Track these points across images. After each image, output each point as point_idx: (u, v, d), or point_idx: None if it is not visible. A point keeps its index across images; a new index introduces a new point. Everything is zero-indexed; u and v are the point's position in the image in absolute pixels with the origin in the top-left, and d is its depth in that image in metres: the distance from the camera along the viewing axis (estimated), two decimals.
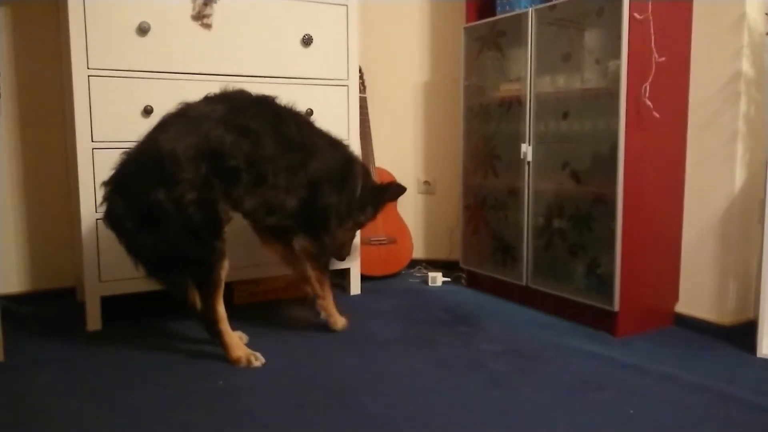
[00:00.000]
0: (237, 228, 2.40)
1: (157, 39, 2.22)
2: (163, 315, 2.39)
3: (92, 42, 2.13)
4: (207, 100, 1.95)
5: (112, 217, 1.85)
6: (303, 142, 2.03)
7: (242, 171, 1.89)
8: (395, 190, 2.45)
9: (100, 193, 1.90)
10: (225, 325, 1.91)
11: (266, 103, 2.03)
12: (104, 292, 2.23)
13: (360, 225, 2.40)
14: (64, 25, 2.23)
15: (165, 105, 2.24)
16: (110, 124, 2.18)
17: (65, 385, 1.75)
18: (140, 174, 1.82)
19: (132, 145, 2.17)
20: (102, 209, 1.89)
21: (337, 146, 2.19)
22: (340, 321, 2.22)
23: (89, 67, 2.13)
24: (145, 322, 2.33)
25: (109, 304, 2.31)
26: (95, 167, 2.17)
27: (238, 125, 1.89)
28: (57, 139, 2.60)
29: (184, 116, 1.88)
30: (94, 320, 2.22)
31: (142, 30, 2.19)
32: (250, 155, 1.89)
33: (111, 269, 2.22)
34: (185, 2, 2.25)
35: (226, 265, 1.90)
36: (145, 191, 1.79)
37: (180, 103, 1.93)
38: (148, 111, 2.22)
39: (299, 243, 2.11)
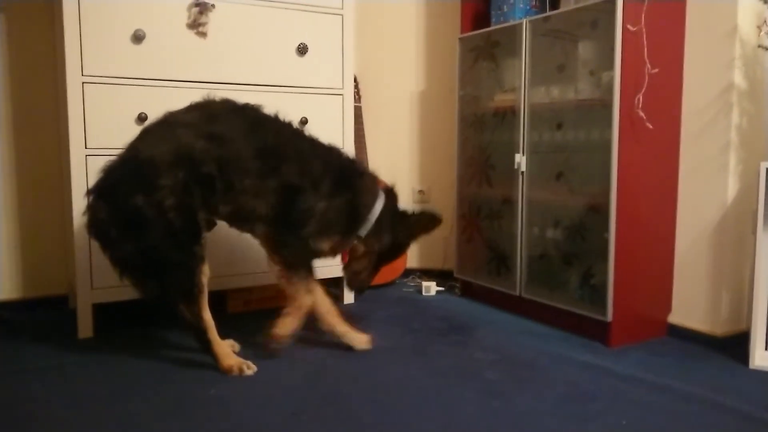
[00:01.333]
0: (231, 236, 2.39)
1: (152, 47, 2.23)
2: (155, 323, 2.38)
3: (87, 49, 2.13)
4: (187, 108, 1.96)
5: (95, 225, 1.86)
6: (278, 148, 1.97)
7: (215, 178, 1.89)
8: (428, 220, 2.19)
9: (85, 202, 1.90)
10: (213, 335, 1.90)
11: (246, 110, 2.00)
12: (96, 300, 2.22)
13: (375, 255, 2.16)
14: (59, 31, 2.23)
15: (159, 112, 2.23)
16: (104, 131, 2.18)
17: (56, 393, 1.74)
18: (122, 181, 1.83)
19: None
20: (86, 218, 1.88)
21: (330, 153, 2.10)
22: (357, 339, 2.10)
23: (84, 74, 2.13)
24: (137, 329, 2.32)
25: (102, 311, 2.30)
26: (88, 174, 2.16)
27: (208, 132, 1.89)
28: (50, 146, 2.59)
29: (163, 124, 1.91)
30: (85, 328, 2.21)
31: (138, 38, 2.19)
32: (221, 161, 1.89)
33: (103, 277, 2.20)
34: (181, 11, 2.26)
35: (206, 270, 1.90)
36: (126, 197, 1.80)
37: (165, 112, 1.94)
38: (142, 118, 2.22)
39: (260, 230, 2.01)
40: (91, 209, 1.86)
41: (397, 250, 2.22)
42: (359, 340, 2.11)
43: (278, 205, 1.95)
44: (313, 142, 2.08)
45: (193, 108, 1.96)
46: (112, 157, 1.90)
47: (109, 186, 1.85)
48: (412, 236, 2.21)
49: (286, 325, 2.01)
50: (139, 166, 1.82)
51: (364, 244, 2.13)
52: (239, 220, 2.01)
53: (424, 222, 2.19)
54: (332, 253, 2.15)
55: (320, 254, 2.09)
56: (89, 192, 1.88)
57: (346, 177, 2.07)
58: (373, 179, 2.17)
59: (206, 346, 1.90)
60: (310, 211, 1.97)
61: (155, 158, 1.82)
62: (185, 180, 1.84)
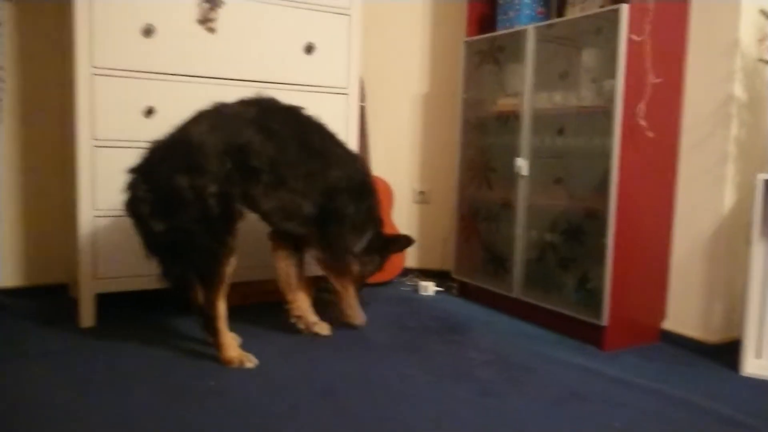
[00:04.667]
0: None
1: (161, 41, 2.25)
2: (156, 313, 2.41)
3: (97, 41, 2.15)
4: (241, 102, 2.04)
5: (132, 201, 1.89)
6: (324, 151, 2.10)
7: (264, 172, 1.96)
8: (404, 242, 2.41)
9: (127, 179, 1.92)
10: (223, 324, 1.93)
11: (294, 111, 2.11)
12: (99, 290, 2.24)
13: (363, 276, 2.32)
14: (69, 23, 2.25)
15: (167, 106, 2.27)
16: (112, 123, 2.20)
17: (57, 380, 1.76)
18: (167, 160, 1.88)
19: (133, 144, 2.21)
20: (124, 195, 1.91)
21: (356, 160, 2.25)
22: (359, 316, 2.29)
23: (93, 65, 2.15)
24: (138, 319, 2.34)
25: (103, 300, 2.32)
26: (95, 166, 2.19)
27: (267, 128, 1.98)
28: (55, 136, 2.62)
29: (219, 113, 1.98)
30: (87, 317, 2.23)
31: (148, 31, 2.21)
32: (273, 157, 1.97)
33: (106, 267, 2.23)
34: (191, 6, 2.28)
35: (233, 261, 1.94)
36: (169, 177, 1.85)
37: (215, 102, 2.01)
38: (149, 111, 2.24)
39: (312, 253, 2.17)
40: (131, 187, 1.89)
41: (377, 268, 2.36)
42: (359, 318, 2.31)
43: (324, 206, 2.07)
44: (345, 149, 2.23)
45: (248, 103, 2.04)
46: (159, 138, 1.93)
47: (152, 165, 1.90)
48: (388, 256, 2.37)
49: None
50: (188, 149, 1.87)
51: (359, 262, 2.26)
52: (282, 217, 2.06)
53: (402, 243, 2.41)
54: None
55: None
56: (132, 170, 1.91)
57: (366, 182, 2.24)
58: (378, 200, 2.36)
59: (213, 334, 1.93)
60: (348, 213, 2.14)
61: (206, 144, 1.88)
62: (231, 170, 1.90)
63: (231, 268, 1.93)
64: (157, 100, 2.26)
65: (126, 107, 2.22)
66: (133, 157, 2.22)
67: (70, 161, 2.34)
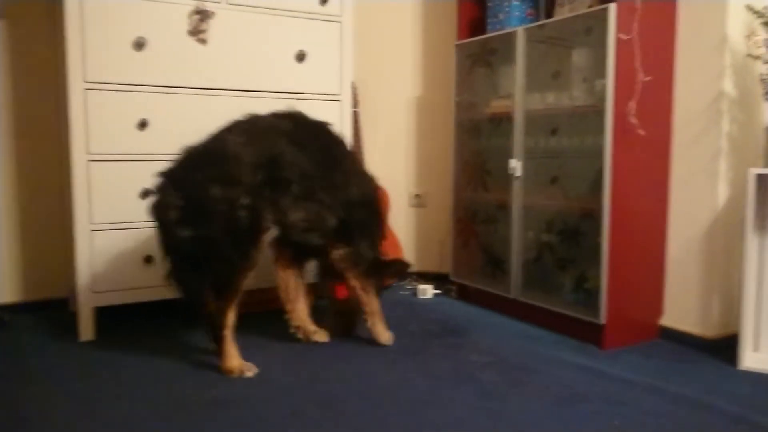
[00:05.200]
0: None
1: (153, 53, 2.26)
2: (155, 325, 2.41)
3: (89, 55, 2.16)
4: (274, 114, 2.08)
5: (159, 205, 1.88)
6: (346, 165, 2.15)
7: (294, 183, 1.98)
8: (399, 267, 2.35)
9: (154, 182, 1.93)
10: (229, 332, 1.94)
11: (321, 126, 2.15)
12: (97, 303, 2.24)
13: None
14: (61, 38, 2.26)
15: (160, 118, 2.28)
16: (106, 136, 2.21)
17: (57, 395, 1.76)
18: (201, 169, 1.88)
19: (128, 157, 2.22)
20: (152, 198, 1.91)
21: (371, 177, 2.29)
22: (385, 334, 2.24)
23: (86, 80, 2.16)
24: (137, 331, 2.34)
25: (103, 313, 2.32)
26: (90, 179, 2.19)
27: (299, 140, 2.02)
28: (51, 151, 2.62)
29: (254, 125, 2.00)
30: (87, 331, 2.23)
31: (139, 44, 2.22)
32: (303, 169, 1.99)
33: (105, 280, 2.23)
34: (181, 18, 2.29)
35: (251, 275, 1.95)
36: (203, 185, 1.85)
37: (248, 114, 2.04)
38: (143, 124, 2.25)
39: (337, 253, 2.15)
40: (161, 191, 1.89)
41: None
42: (385, 336, 2.24)
43: (344, 218, 2.09)
44: (362, 165, 2.32)
45: (282, 116, 2.07)
46: (192, 146, 1.93)
47: (186, 172, 1.89)
48: (383, 280, 2.32)
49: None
50: (224, 160, 1.88)
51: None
52: (306, 228, 2.07)
53: (397, 269, 2.35)
54: None
55: None
56: (162, 174, 1.91)
57: (379, 203, 2.28)
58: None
59: (218, 342, 1.93)
60: (368, 225, 2.19)
61: (242, 156, 1.89)
62: (263, 181, 1.91)
63: (247, 281, 1.95)
64: (151, 112, 2.27)
65: (119, 120, 2.23)
66: (129, 170, 2.25)
67: (67, 175, 2.35)
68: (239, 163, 1.88)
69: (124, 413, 1.65)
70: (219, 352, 1.94)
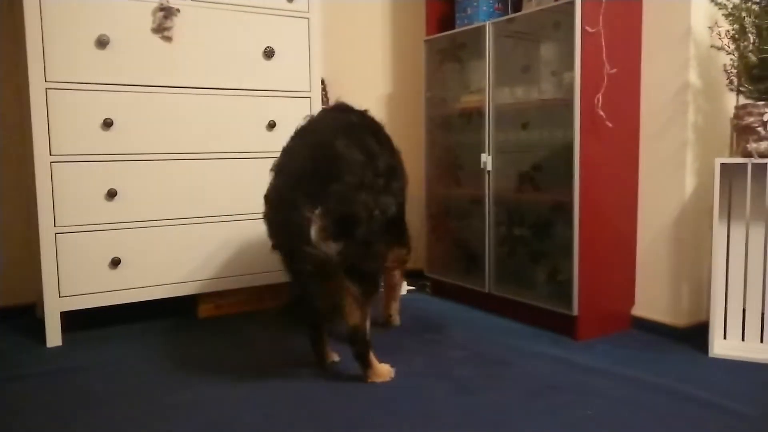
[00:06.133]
0: (203, 239, 2.39)
1: (116, 52, 2.21)
2: (125, 329, 2.36)
3: (50, 55, 2.10)
4: (335, 109, 2.09)
5: (298, 228, 1.71)
6: (393, 152, 2.16)
7: (381, 177, 1.90)
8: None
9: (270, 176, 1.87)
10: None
11: (368, 114, 2.14)
12: (64, 308, 2.19)
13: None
14: (20, 37, 2.20)
15: (126, 117, 2.24)
16: (69, 137, 2.16)
17: (28, 405, 1.72)
18: (333, 179, 1.74)
19: (92, 158, 2.17)
20: (279, 227, 1.81)
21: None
22: (397, 319, 2.46)
23: (47, 79, 2.11)
24: (105, 334, 2.29)
25: (71, 318, 2.27)
26: (53, 181, 2.14)
27: (374, 132, 2.01)
28: (15, 152, 2.55)
29: (333, 125, 1.93)
30: (54, 336, 2.18)
31: (101, 43, 2.17)
32: (384, 161, 1.94)
33: (71, 284, 2.18)
34: (145, 15, 2.25)
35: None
36: (345, 195, 1.73)
37: (310, 115, 2.04)
38: (108, 124, 2.20)
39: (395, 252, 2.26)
40: (295, 215, 1.71)
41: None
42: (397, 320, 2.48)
43: (394, 218, 2.03)
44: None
45: (344, 110, 2.07)
46: (292, 158, 1.84)
47: (316, 187, 1.73)
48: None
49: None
50: (342, 164, 1.76)
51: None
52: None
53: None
54: None
55: None
56: (282, 198, 1.79)
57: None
58: None
59: (367, 360, 1.87)
60: (404, 219, 2.30)
61: (352, 157, 1.79)
62: (373, 176, 1.85)
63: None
64: (115, 111, 2.22)
65: (83, 120, 2.18)
66: (94, 170, 2.20)
67: (30, 177, 2.29)
68: (359, 164, 1.78)
69: (93, 420, 1.61)
70: (370, 367, 1.85)
